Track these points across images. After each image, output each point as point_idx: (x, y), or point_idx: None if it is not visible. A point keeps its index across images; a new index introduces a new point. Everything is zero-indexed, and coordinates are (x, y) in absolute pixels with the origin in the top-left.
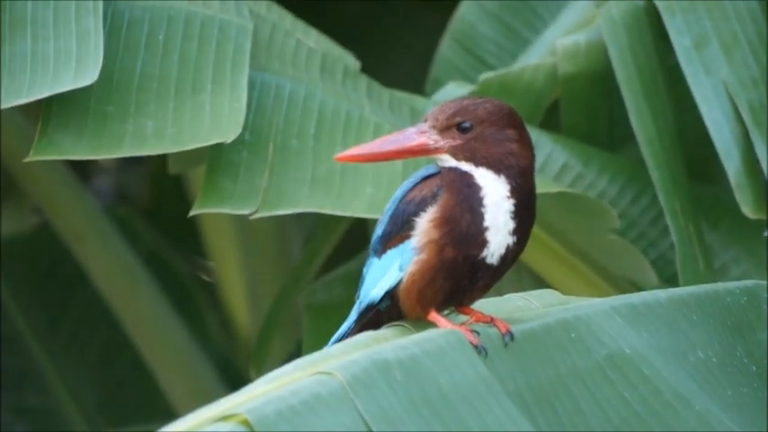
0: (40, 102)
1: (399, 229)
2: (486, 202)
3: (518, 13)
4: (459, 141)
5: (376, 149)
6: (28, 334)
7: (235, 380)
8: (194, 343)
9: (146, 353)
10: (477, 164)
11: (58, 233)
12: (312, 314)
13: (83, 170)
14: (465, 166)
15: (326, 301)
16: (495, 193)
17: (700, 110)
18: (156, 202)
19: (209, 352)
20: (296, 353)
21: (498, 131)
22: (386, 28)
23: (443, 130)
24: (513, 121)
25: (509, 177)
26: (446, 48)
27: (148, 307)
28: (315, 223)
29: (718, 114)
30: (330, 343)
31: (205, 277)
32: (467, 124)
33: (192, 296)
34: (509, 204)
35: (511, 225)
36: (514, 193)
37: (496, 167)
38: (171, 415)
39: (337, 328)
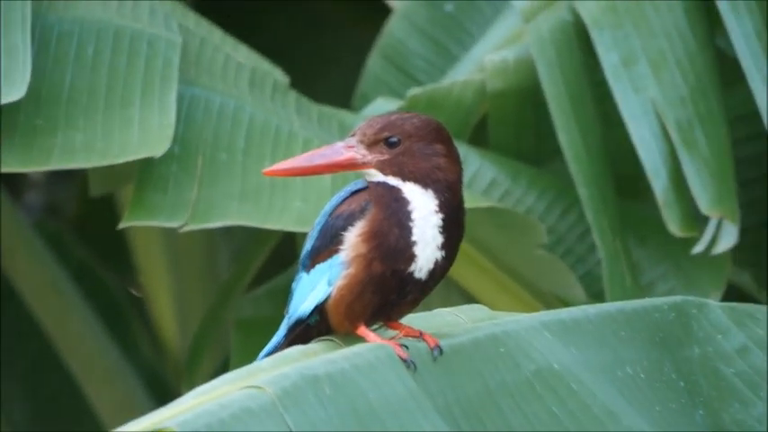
0: None
1: (328, 244)
2: (414, 216)
3: (447, 29)
4: (386, 156)
5: (304, 164)
6: None
7: (164, 395)
8: (123, 358)
9: (75, 368)
10: (405, 178)
11: None
12: (240, 329)
13: (12, 185)
14: (393, 181)
15: (254, 317)
16: (424, 208)
17: (627, 127)
18: (86, 218)
19: (139, 367)
20: (223, 368)
21: (426, 146)
22: (314, 44)
23: (371, 144)
24: (440, 135)
25: (437, 192)
26: (374, 63)
27: (78, 322)
28: (244, 238)
29: (646, 132)
30: (259, 357)
31: (134, 292)
32: (394, 139)
33: (121, 311)
34: (437, 219)
35: (439, 239)
36: (443, 207)
37: (424, 182)
38: (99, 429)
39: (265, 344)
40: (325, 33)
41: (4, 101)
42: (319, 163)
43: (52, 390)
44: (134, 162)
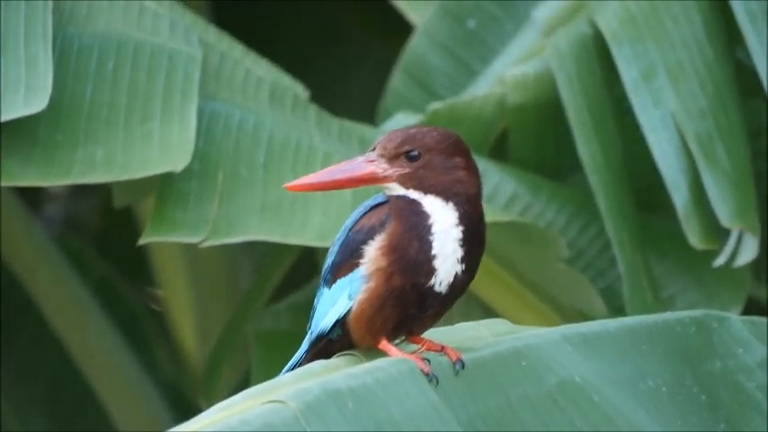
0: None
1: (349, 258)
2: (434, 230)
3: (469, 45)
4: (407, 170)
5: (326, 178)
6: None
7: (184, 409)
8: (144, 372)
9: (95, 382)
10: (426, 192)
11: (8, 262)
12: (261, 343)
13: (33, 199)
14: (413, 194)
15: (275, 331)
16: (444, 221)
17: (647, 141)
18: (107, 232)
19: (159, 381)
20: (243, 382)
21: (446, 159)
22: (335, 58)
23: (392, 158)
24: (460, 148)
25: (457, 205)
26: (397, 79)
27: (98, 336)
28: (264, 253)
29: (666, 145)
30: (282, 373)
31: (155, 307)
32: (415, 153)
33: (141, 326)
34: (457, 232)
35: (459, 253)
36: (462, 220)
37: (444, 195)
38: None
39: (286, 358)
40: (345, 48)
41: (26, 113)
42: (341, 177)
43: (72, 404)
44: (156, 175)
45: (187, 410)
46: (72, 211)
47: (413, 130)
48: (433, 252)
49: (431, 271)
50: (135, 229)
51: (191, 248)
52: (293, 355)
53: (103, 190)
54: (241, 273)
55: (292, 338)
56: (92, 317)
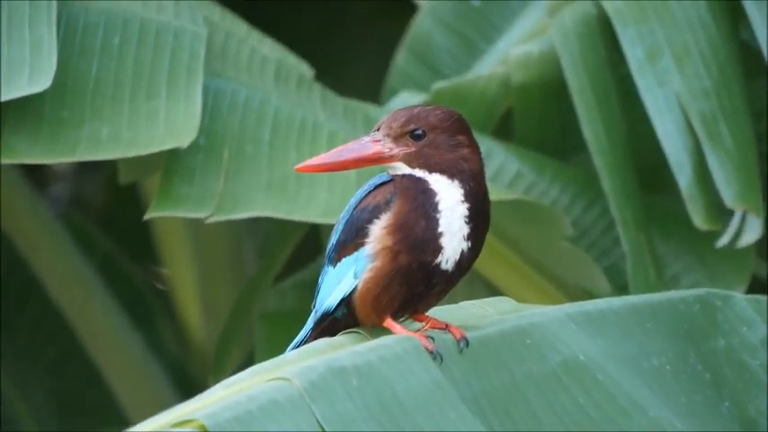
0: None
1: (354, 237)
2: (440, 207)
3: (474, 24)
4: (412, 149)
5: (333, 159)
6: None
7: (188, 387)
8: (148, 350)
9: (100, 360)
10: (431, 170)
11: (13, 240)
12: (265, 322)
13: (38, 177)
14: (419, 173)
15: (280, 310)
16: (450, 198)
17: (652, 121)
18: (112, 210)
19: (163, 359)
20: (248, 361)
21: (450, 137)
22: (340, 38)
23: (397, 138)
24: (462, 127)
25: (462, 182)
26: (401, 58)
27: (103, 314)
28: (269, 231)
29: (671, 126)
30: (287, 351)
31: (159, 285)
32: (419, 131)
33: (146, 304)
34: (463, 209)
35: (465, 230)
36: (468, 197)
37: (450, 173)
38: (124, 422)
39: (290, 336)
40: (350, 27)
41: (31, 91)
42: (348, 158)
43: (77, 382)
44: (162, 151)
45: (191, 388)
46: (77, 190)
47: (416, 110)
48: (440, 230)
49: (437, 249)
50: (140, 207)
51: (195, 227)
52: (298, 334)
53: (109, 168)
54: (245, 251)
55: (297, 317)
56: (96, 295)
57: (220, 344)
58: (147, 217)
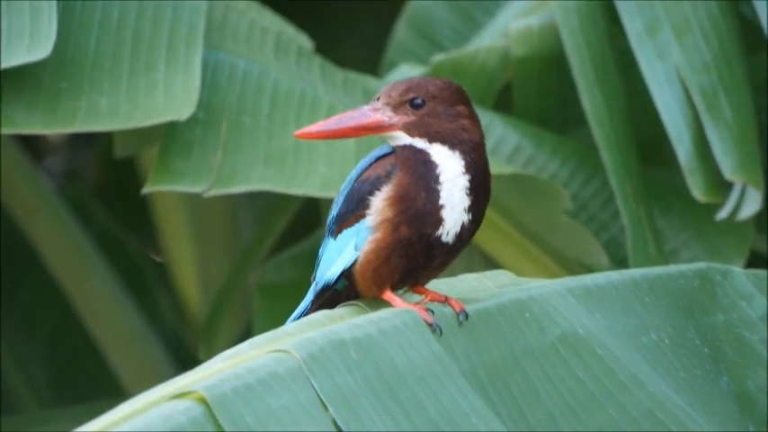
0: None
1: (354, 209)
2: (441, 179)
3: None
4: (412, 117)
5: (333, 127)
6: None
7: (185, 359)
8: (145, 322)
9: (97, 331)
10: (432, 140)
11: (10, 212)
12: (264, 294)
13: (35, 150)
14: (420, 143)
15: (278, 282)
16: (451, 170)
17: (651, 94)
18: (109, 183)
19: (160, 331)
20: (245, 333)
21: (449, 107)
22: (340, 10)
23: (397, 106)
24: (462, 97)
25: (463, 153)
26: (401, 31)
27: (100, 286)
28: (266, 203)
29: (670, 99)
30: (287, 323)
31: (156, 257)
32: (419, 100)
33: (143, 276)
34: (464, 180)
35: (466, 202)
36: (469, 168)
37: (450, 143)
38: (121, 393)
39: (288, 308)
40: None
41: (30, 59)
42: (347, 125)
43: (73, 353)
44: (159, 124)
45: (188, 360)
46: (73, 162)
47: (415, 79)
48: (441, 202)
49: (438, 221)
50: (137, 180)
51: (193, 199)
52: (296, 306)
53: (104, 141)
54: (243, 224)
55: (295, 288)
56: (94, 267)
57: (211, 313)
58: (144, 191)
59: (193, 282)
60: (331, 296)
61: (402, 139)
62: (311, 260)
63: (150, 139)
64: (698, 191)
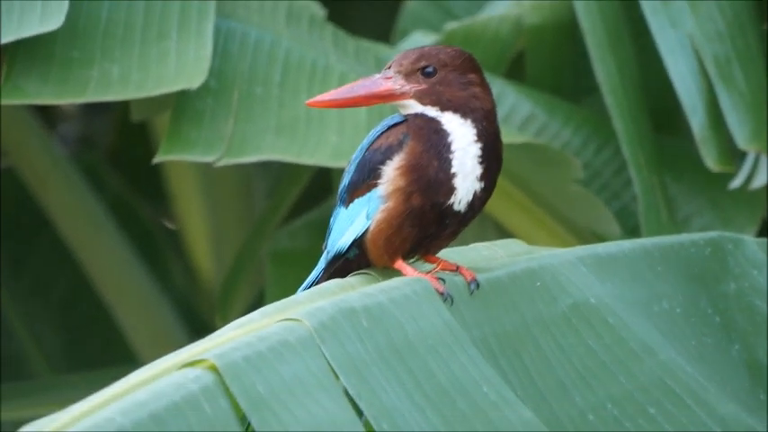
0: (5, 47)
1: (366, 178)
2: (453, 147)
3: None
4: (424, 86)
5: (345, 95)
6: None
7: (197, 326)
8: (157, 289)
9: (109, 298)
10: (444, 108)
11: (23, 178)
12: (276, 262)
13: (48, 117)
14: (431, 112)
15: (290, 250)
16: (463, 138)
17: (665, 63)
18: (121, 150)
19: (172, 298)
20: (257, 301)
21: (461, 75)
22: None
23: (408, 74)
24: (473, 65)
25: (475, 121)
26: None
27: (112, 253)
28: (279, 171)
29: (683, 67)
30: (298, 291)
31: (169, 225)
32: (431, 69)
33: (155, 243)
34: (476, 149)
35: (478, 170)
36: (481, 137)
37: (462, 111)
38: (133, 360)
39: (300, 276)
40: None
41: (42, 30)
42: (360, 94)
43: (86, 319)
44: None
45: (200, 327)
46: (86, 129)
47: (426, 48)
48: (453, 171)
49: (450, 190)
50: (149, 147)
51: (206, 166)
52: (308, 274)
53: (118, 108)
54: (255, 191)
55: (307, 257)
56: (106, 232)
57: (226, 282)
58: (155, 161)
59: (205, 249)
60: (342, 265)
61: (413, 107)
62: (323, 228)
63: (167, 103)
64: (711, 160)
